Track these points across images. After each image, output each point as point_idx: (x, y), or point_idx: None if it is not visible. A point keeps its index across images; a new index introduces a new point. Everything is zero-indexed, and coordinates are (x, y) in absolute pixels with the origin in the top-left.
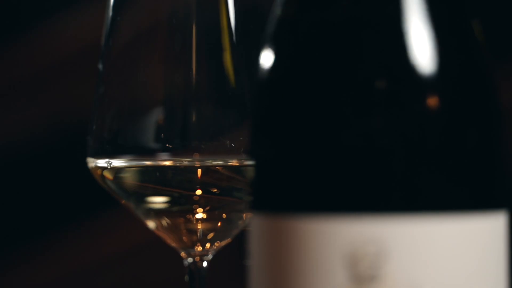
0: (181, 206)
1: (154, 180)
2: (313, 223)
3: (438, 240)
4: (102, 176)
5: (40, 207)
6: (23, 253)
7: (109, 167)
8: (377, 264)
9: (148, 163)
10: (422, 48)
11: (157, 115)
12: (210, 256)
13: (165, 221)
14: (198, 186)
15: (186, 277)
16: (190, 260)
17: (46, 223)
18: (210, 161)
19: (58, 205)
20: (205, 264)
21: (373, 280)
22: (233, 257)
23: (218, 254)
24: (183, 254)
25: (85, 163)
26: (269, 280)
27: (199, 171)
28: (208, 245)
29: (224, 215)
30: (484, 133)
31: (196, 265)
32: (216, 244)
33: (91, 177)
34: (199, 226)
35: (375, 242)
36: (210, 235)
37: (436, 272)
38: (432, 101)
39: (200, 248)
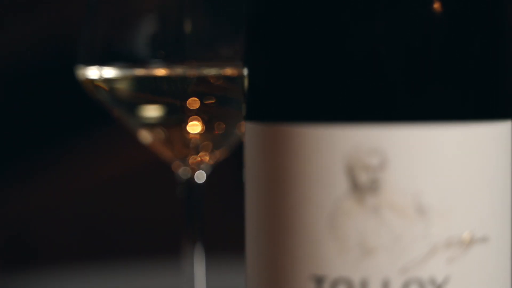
0: (174, 115)
1: (147, 89)
2: (314, 130)
3: (439, 148)
4: (94, 86)
5: (33, 126)
6: (16, 173)
7: (100, 76)
8: (378, 173)
9: (140, 71)
10: None
11: (150, 23)
12: (206, 168)
13: (158, 132)
14: (191, 95)
15: (180, 190)
16: (185, 172)
17: (40, 143)
18: (204, 69)
19: (51, 124)
20: (201, 177)
21: (374, 189)
22: (233, 172)
23: (217, 169)
24: (176, 164)
25: (76, 81)
26: (268, 190)
27: (193, 80)
28: (203, 154)
29: (219, 124)
30: (490, 39)
31: (191, 179)
32: (211, 154)
33: (83, 93)
34: (193, 135)
35: (376, 151)
36: (204, 145)
37: (438, 180)
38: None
39: (195, 158)
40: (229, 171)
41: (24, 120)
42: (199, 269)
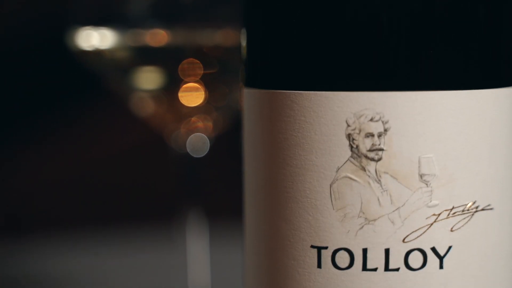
0: (169, 81)
1: (142, 53)
2: (316, 96)
3: (442, 115)
4: (89, 51)
5: (25, 98)
6: (10, 146)
7: (95, 41)
8: (381, 140)
9: (135, 36)
10: None
11: None
12: (203, 141)
13: (153, 99)
14: (187, 61)
15: (176, 162)
16: (180, 141)
17: (34, 115)
18: (201, 35)
19: (46, 97)
20: (199, 150)
21: (376, 156)
22: (232, 140)
23: (218, 137)
24: (171, 133)
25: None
26: (267, 158)
27: (189, 45)
28: (195, 120)
29: (215, 90)
30: (491, 5)
31: (187, 151)
32: (206, 121)
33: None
34: (188, 102)
35: (378, 117)
36: (200, 112)
37: (441, 148)
38: None
39: (190, 125)
40: (227, 143)
41: (15, 92)
42: (195, 240)
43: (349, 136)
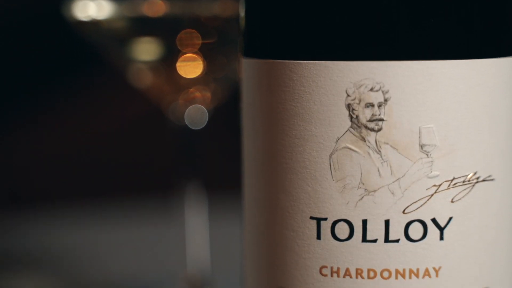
0: (167, 52)
1: (141, 24)
2: (316, 66)
3: (443, 85)
4: (86, 23)
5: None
6: (9, 121)
7: (93, 12)
8: (381, 110)
9: (133, 7)
10: None
11: None
12: (201, 114)
13: (151, 70)
14: (185, 32)
15: (175, 135)
16: (178, 113)
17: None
18: (198, 6)
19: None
20: (197, 122)
21: (376, 126)
22: (231, 112)
23: (216, 109)
24: (170, 105)
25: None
26: (266, 128)
27: (186, 16)
28: (193, 90)
29: (213, 61)
30: None
31: (185, 124)
32: (204, 92)
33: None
34: (186, 73)
35: (378, 87)
36: (197, 83)
37: (441, 118)
38: None
39: (189, 96)
40: (226, 115)
41: (11, 66)
42: (194, 212)
43: (348, 106)
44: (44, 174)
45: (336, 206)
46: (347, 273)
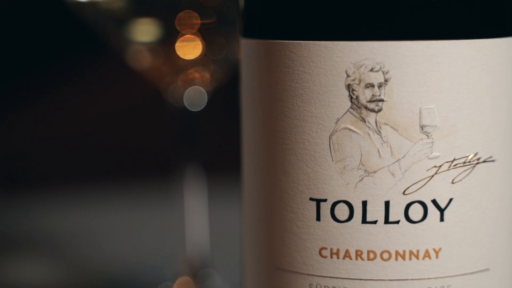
0: (165, 33)
1: (138, 4)
2: (316, 46)
3: (443, 65)
4: (83, 1)
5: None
6: (6, 104)
7: None
8: (381, 90)
9: None
10: None
11: None
12: (200, 96)
13: (150, 51)
14: (183, 12)
15: (174, 117)
16: (177, 93)
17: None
18: None
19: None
20: (196, 104)
21: (376, 107)
22: (230, 93)
23: (215, 91)
24: (168, 86)
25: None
26: (265, 109)
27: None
28: (192, 71)
29: (211, 42)
30: None
31: (184, 106)
32: (202, 72)
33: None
34: (184, 54)
35: (378, 67)
36: (195, 64)
37: (442, 98)
38: None
39: (187, 77)
40: (225, 96)
41: (9, 48)
42: (193, 195)
43: (348, 86)
44: (42, 157)
45: (335, 187)
46: (347, 254)
